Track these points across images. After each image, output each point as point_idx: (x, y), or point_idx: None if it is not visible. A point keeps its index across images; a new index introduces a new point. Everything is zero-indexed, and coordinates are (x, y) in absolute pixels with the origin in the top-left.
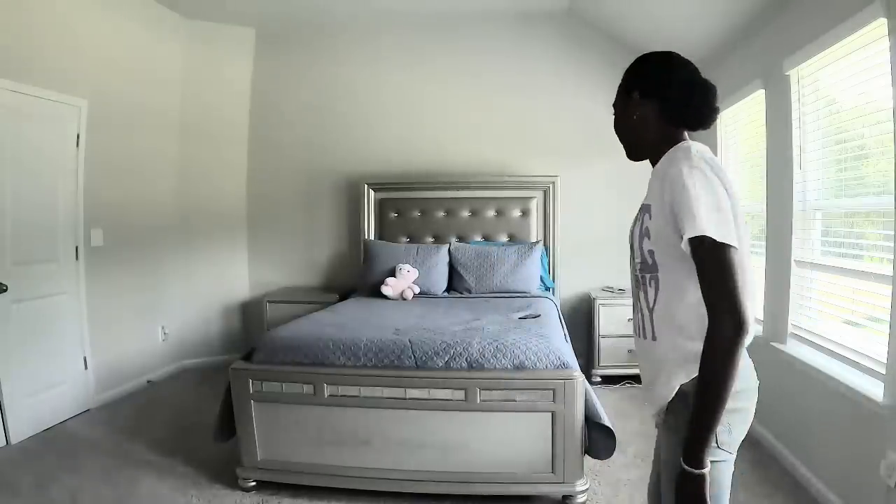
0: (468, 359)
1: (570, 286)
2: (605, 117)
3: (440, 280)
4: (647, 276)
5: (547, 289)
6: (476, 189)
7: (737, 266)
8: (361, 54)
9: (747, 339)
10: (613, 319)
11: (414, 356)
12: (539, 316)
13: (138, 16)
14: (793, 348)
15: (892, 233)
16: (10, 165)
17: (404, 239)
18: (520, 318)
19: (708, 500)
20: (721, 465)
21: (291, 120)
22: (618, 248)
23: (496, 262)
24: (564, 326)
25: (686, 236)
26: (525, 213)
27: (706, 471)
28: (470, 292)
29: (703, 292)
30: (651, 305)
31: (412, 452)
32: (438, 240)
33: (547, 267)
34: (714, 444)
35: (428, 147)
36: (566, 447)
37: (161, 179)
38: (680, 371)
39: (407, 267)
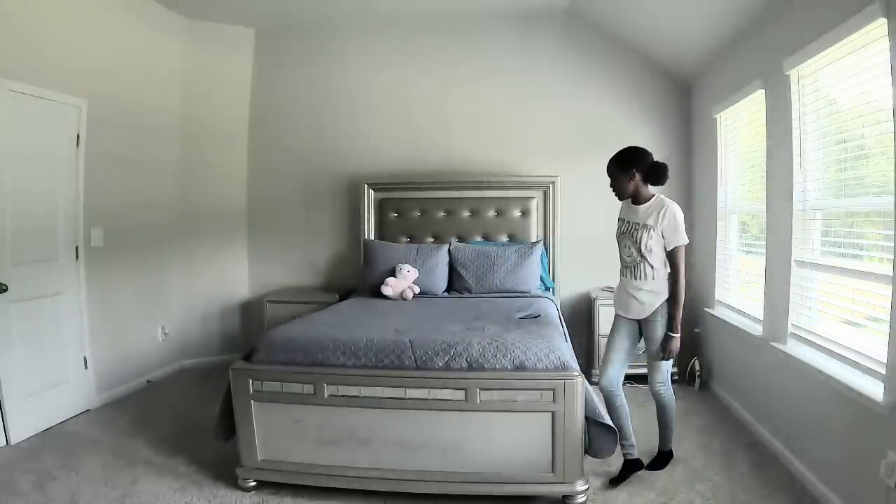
0: (468, 359)
1: (570, 286)
2: (605, 117)
3: (440, 280)
4: (648, 256)
5: (547, 289)
6: (476, 189)
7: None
8: (361, 54)
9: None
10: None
11: (414, 356)
12: (539, 316)
13: (138, 16)
14: (793, 348)
15: (892, 233)
16: (11, 165)
17: (404, 239)
18: (520, 318)
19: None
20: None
21: (291, 120)
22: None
23: (496, 262)
24: (564, 326)
25: (672, 245)
26: (525, 213)
27: (679, 335)
28: (470, 292)
29: (673, 264)
30: (653, 267)
31: (412, 452)
32: (438, 240)
33: (547, 267)
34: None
35: (428, 147)
36: (566, 447)
37: (161, 179)
38: (663, 296)
39: (407, 267)
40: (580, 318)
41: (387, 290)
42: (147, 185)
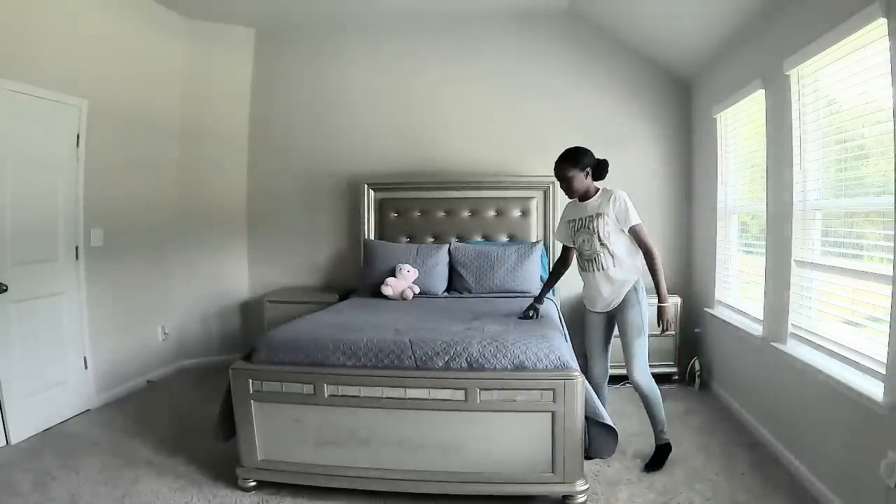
0: (468, 359)
1: (570, 286)
2: (606, 117)
3: (440, 280)
4: (608, 242)
5: None
6: (476, 189)
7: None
8: (361, 54)
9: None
10: None
11: (414, 356)
12: (533, 315)
13: (138, 16)
14: (793, 348)
15: (892, 233)
16: (10, 165)
17: (404, 239)
18: (519, 318)
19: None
20: (640, 307)
21: (291, 120)
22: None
23: (496, 262)
24: (564, 326)
25: (628, 225)
26: (525, 213)
27: (669, 303)
28: (470, 292)
29: (640, 244)
30: (613, 255)
31: (412, 452)
32: (438, 240)
33: (547, 267)
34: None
35: (428, 147)
36: (566, 447)
37: (161, 179)
38: (630, 283)
39: (407, 267)
40: (580, 318)
41: (387, 290)
42: (147, 184)
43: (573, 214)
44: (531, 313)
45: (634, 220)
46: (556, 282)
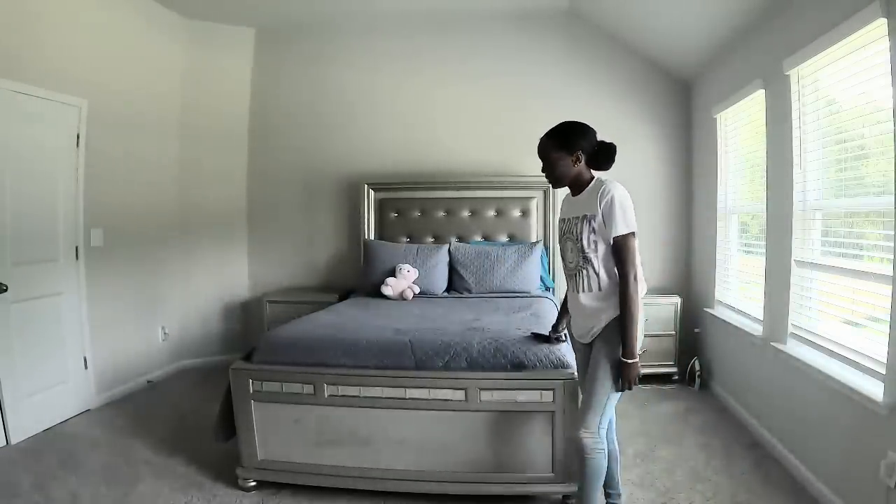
0: (468, 359)
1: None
2: (606, 117)
3: (440, 280)
4: (593, 256)
5: (547, 289)
6: (476, 189)
7: (636, 248)
8: (361, 54)
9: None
10: None
11: (414, 356)
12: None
13: (138, 16)
14: (793, 348)
15: (892, 233)
16: (11, 165)
17: (404, 239)
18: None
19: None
20: (618, 351)
21: (291, 119)
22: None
23: (496, 262)
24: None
25: (612, 234)
26: (525, 213)
27: (637, 360)
28: (470, 292)
29: (617, 263)
30: (599, 274)
31: (412, 452)
32: (438, 240)
33: (547, 267)
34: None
35: (428, 147)
36: (566, 447)
37: (161, 179)
38: (609, 313)
39: (407, 267)
40: None
41: (387, 290)
42: (147, 184)
43: (566, 212)
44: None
45: (622, 227)
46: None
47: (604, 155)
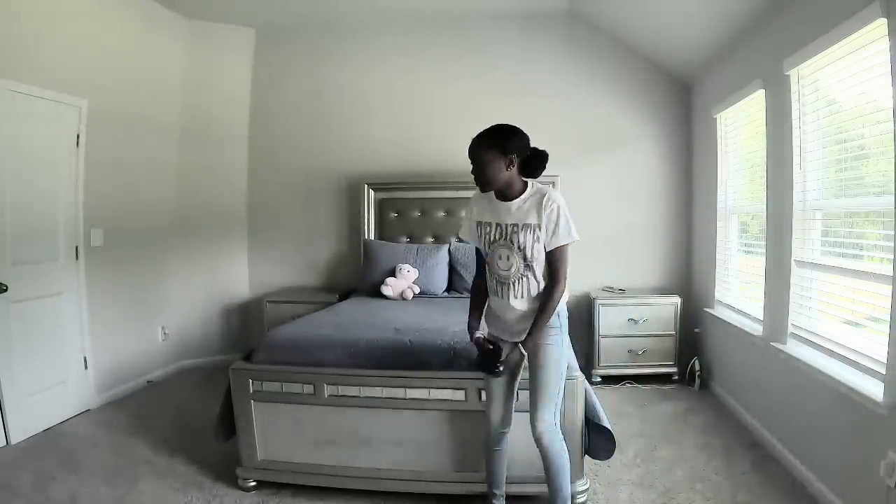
0: (468, 359)
1: (570, 286)
2: (606, 117)
3: (440, 280)
4: (535, 265)
5: None
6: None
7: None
8: (362, 54)
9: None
10: (613, 319)
11: (414, 356)
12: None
13: (138, 16)
14: (793, 348)
15: (892, 233)
16: (10, 165)
17: (404, 239)
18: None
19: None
20: (561, 340)
21: (291, 119)
22: (618, 249)
23: None
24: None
25: (554, 245)
26: None
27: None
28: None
29: (552, 270)
30: (538, 281)
31: (412, 452)
32: (438, 240)
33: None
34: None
35: (428, 147)
36: (566, 447)
37: (161, 179)
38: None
39: (407, 267)
40: (580, 318)
41: (387, 290)
42: (147, 184)
43: (487, 215)
44: (486, 359)
45: (565, 238)
46: (486, 302)
47: (536, 161)
